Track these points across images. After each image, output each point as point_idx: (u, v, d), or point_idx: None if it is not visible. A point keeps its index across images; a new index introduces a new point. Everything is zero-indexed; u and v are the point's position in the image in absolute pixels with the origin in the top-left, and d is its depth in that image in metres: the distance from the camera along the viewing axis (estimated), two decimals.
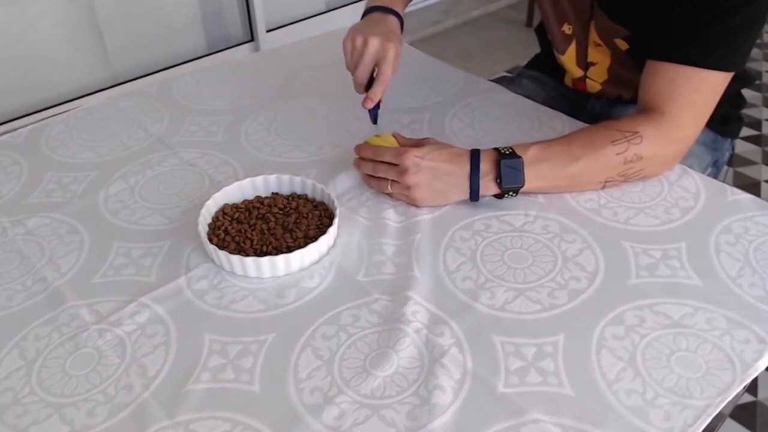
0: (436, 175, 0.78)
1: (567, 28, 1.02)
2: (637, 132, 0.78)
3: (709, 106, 0.80)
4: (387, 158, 0.80)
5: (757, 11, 0.76)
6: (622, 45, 0.94)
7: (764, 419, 1.36)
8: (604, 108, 1.09)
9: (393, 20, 0.90)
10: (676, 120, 0.79)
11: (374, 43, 0.83)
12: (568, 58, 1.06)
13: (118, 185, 0.87)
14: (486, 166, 0.77)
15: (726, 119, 1.02)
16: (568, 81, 1.11)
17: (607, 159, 0.78)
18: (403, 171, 0.78)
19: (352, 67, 0.86)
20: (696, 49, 0.77)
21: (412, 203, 0.81)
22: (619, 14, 0.92)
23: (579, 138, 0.80)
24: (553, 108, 1.01)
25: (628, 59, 0.96)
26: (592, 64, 1.02)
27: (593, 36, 0.98)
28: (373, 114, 0.87)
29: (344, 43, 0.86)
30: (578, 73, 1.06)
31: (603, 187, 0.82)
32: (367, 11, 0.93)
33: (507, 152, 0.77)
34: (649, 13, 0.86)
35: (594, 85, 1.05)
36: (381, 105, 0.87)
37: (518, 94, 1.06)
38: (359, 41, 0.84)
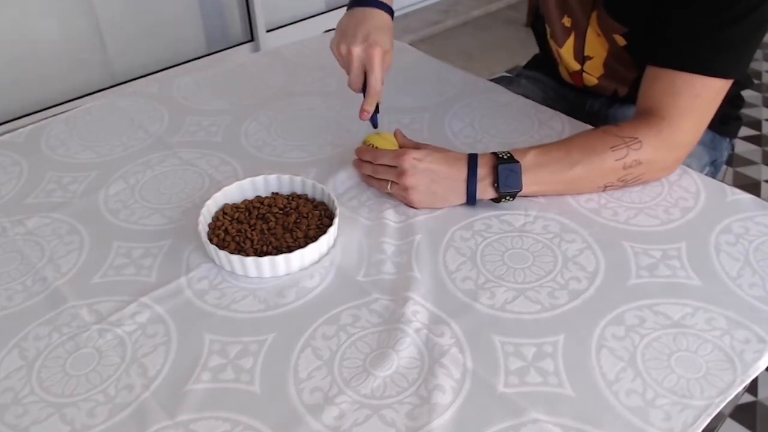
0: (433, 178, 0.78)
1: (567, 21, 1.02)
2: (637, 137, 0.78)
3: (710, 111, 0.80)
4: (386, 161, 0.80)
5: (759, 20, 0.76)
6: (620, 41, 0.94)
7: (764, 419, 1.36)
8: (602, 108, 1.09)
9: (378, 14, 0.85)
10: (676, 125, 0.79)
11: (357, 53, 0.81)
12: (566, 51, 1.06)
13: (118, 185, 0.87)
14: (483, 171, 0.77)
15: (725, 119, 1.02)
16: (563, 74, 1.10)
17: (606, 164, 0.78)
18: (401, 173, 0.78)
19: (345, 70, 0.85)
20: (698, 55, 0.77)
21: (410, 205, 0.81)
22: (619, 12, 0.92)
23: (578, 143, 0.80)
24: (552, 108, 1.01)
25: (624, 55, 0.96)
26: (589, 57, 1.02)
27: (594, 26, 0.98)
28: (373, 119, 0.87)
29: (330, 48, 0.85)
30: (575, 66, 1.06)
31: (603, 191, 0.82)
32: (351, 4, 0.88)
33: (505, 156, 0.77)
34: (650, 14, 0.86)
35: (591, 79, 1.05)
36: (380, 108, 0.87)
37: (518, 93, 1.06)
38: (343, 49, 0.82)
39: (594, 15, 0.97)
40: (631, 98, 1.02)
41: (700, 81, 0.78)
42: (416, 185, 0.78)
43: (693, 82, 0.78)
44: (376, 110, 0.86)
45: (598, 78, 1.04)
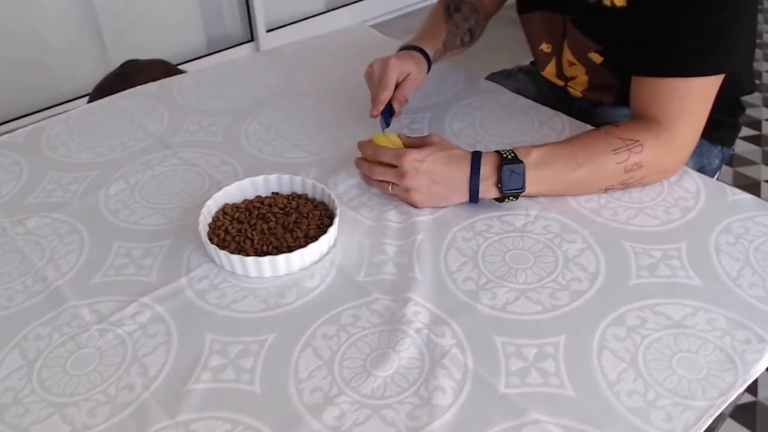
0: (435, 179, 0.78)
1: (546, 47, 1.03)
2: (638, 140, 0.78)
3: (703, 110, 0.80)
4: (387, 158, 0.80)
5: (733, 11, 0.76)
6: (597, 59, 0.95)
7: (764, 419, 1.36)
8: (590, 106, 1.10)
9: (412, 52, 0.94)
10: (673, 129, 0.79)
11: (376, 63, 0.90)
12: (548, 74, 1.07)
13: (118, 185, 0.87)
14: (487, 170, 0.77)
15: (716, 125, 1.01)
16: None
17: (608, 167, 0.78)
18: (402, 174, 0.78)
19: (370, 89, 0.91)
20: (676, 60, 0.78)
21: (412, 205, 0.81)
22: (590, 28, 0.93)
23: (581, 144, 0.80)
24: (544, 104, 1.02)
25: (605, 71, 0.96)
26: (572, 78, 1.03)
27: (567, 55, 0.99)
28: (385, 120, 0.88)
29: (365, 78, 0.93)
30: (559, 83, 1.07)
31: (605, 193, 0.82)
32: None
33: (509, 156, 0.77)
34: (619, 26, 0.86)
35: (575, 92, 1.06)
36: (394, 110, 0.90)
37: (513, 87, 1.07)
38: (368, 68, 0.91)
39: (566, 44, 0.97)
40: (617, 104, 1.02)
41: (683, 83, 0.78)
42: (418, 187, 0.78)
43: (677, 85, 0.78)
44: (391, 111, 0.89)
45: (582, 92, 1.05)
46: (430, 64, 0.96)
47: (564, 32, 0.97)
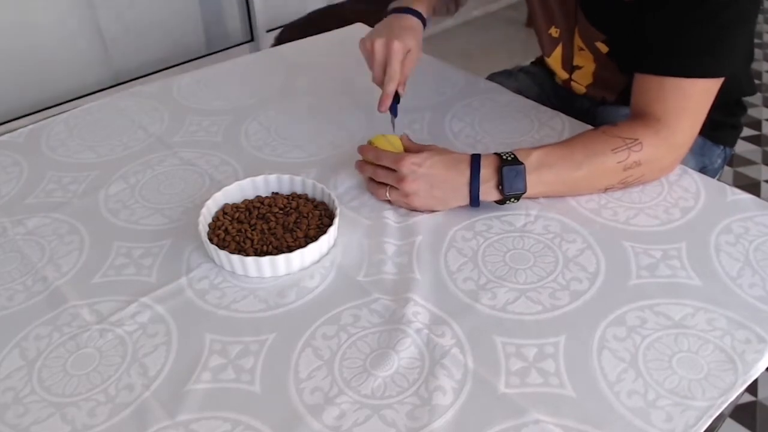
0: (434, 183, 0.78)
1: (554, 31, 1.03)
2: (637, 139, 0.78)
3: (703, 110, 0.80)
4: (386, 162, 0.79)
5: (737, 13, 0.76)
6: (603, 48, 0.95)
7: (764, 419, 1.36)
8: (591, 106, 1.10)
9: (408, 18, 0.92)
10: (673, 126, 0.79)
11: (378, 45, 0.86)
12: (554, 60, 1.07)
13: (118, 185, 0.87)
14: (487, 172, 0.77)
15: (717, 125, 1.00)
16: (558, 80, 1.12)
17: (608, 167, 0.78)
18: (401, 178, 0.78)
19: (369, 66, 0.89)
20: (679, 59, 0.78)
21: (411, 209, 0.80)
22: (597, 18, 0.93)
23: (580, 144, 0.80)
24: (544, 104, 1.02)
25: (610, 63, 0.96)
26: (578, 67, 1.03)
27: (577, 40, 0.99)
28: (393, 108, 0.88)
29: (359, 46, 0.90)
30: (564, 75, 1.07)
31: (604, 193, 0.82)
32: (386, 14, 0.95)
33: (509, 158, 0.77)
34: (627, 20, 0.86)
35: (579, 87, 1.06)
36: (400, 99, 0.90)
37: (513, 87, 1.07)
38: (368, 44, 0.88)
39: (576, 29, 0.97)
40: (619, 102, 1.02)
41: (686, 83, 0.78)
42: (417, 191, 0.78)
43: (680, 85, 0.78)
44: (397, 100, 0.88)
45: (586, 87, 1.05)
46: (425, 25, 0.94)
47: (576, 16, 0.96)
